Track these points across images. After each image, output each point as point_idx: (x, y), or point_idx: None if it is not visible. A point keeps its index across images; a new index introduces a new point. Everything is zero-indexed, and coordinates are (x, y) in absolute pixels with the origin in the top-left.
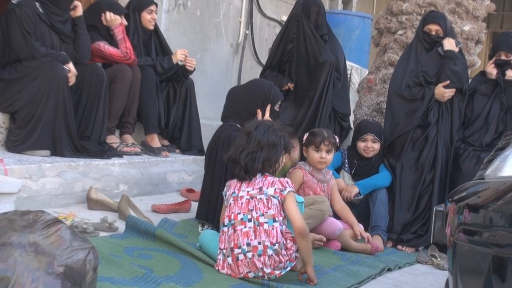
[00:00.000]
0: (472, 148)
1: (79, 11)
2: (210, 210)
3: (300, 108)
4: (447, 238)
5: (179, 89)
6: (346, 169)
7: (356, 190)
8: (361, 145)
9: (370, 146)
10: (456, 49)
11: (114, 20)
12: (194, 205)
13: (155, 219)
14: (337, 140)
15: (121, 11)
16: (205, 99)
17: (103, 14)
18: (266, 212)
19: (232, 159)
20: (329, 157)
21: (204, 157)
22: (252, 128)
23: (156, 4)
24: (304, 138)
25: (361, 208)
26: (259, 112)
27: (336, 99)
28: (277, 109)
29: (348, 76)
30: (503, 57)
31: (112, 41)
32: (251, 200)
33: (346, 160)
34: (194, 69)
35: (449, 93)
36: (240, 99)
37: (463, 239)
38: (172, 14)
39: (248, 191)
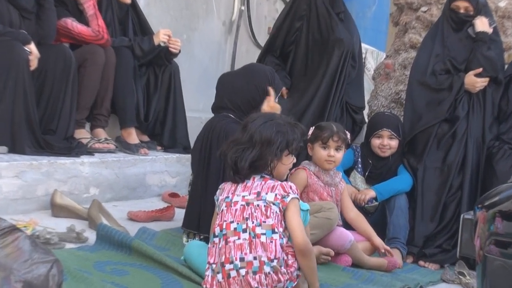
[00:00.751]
0: (508, 147)
1: None
2: (203, 218)
3: (303, 96)
4: (476, 252)
5: (161, 75)
6: (359, 170)
7: (372, 193)
8: (375, 142)
9: (386, 143)
10: (490, 30)
11: None
12: (178, 212)
13: (132, 229)
14: (349, 136)
15: None
16: (192, 87)
17: None
18: (264, 222)
19: (223, 155)
20: (339, 155)
21: (190, 155)
22: (250, 120)
23: None
24: (309, 132)
25: (376, 217)
26: (271, 98)
27: (349, 89)
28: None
29: (363, 61)
30: None
31: (82, 18)
32: (246, 206)
33: (359, 160)
34: (179, 51)
35: (481, 83)
36: (237, 88)
37: (494, 252)
38: None
39: (243, 196)
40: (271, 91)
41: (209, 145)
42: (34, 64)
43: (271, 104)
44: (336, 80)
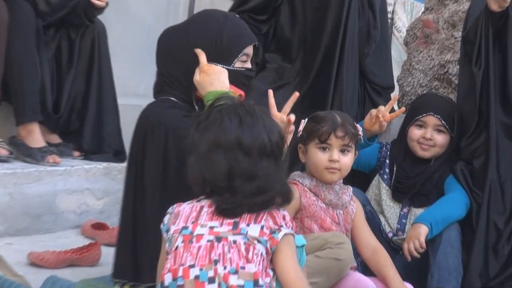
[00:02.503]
0: None
1: None
2: (144, 261)
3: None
4: None
5: (78, 41)
6: (385, 177)
7: (424, 230)
8: (415, 133)
9: (430, 136)
10: None
11: None
12: (106, 253)
13: (35, 278)
14: (360, 132)
15: None
16: (128, 60)
17: None
18: (243, 268)
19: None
20: (346, 160)
21: (126, 164)
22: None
23: None
24: (300, 127)
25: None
26: (201, 58)
27: (369, 60)
28: (245, 67)
29: (389, 16)
30: None
31: None
32: (216, 243)
33: (387, 162)
34: (107, 4)
35: None
36: (173, 50)
37: None
38: None
39: (212, 228)
40: (198, 50)
41: (141, 148)
42: None
43: (204, 68)
44: (338, 44)
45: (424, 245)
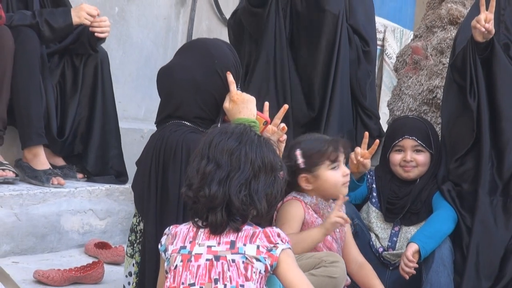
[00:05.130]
0: None
1: None
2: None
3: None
4: None
5: (82, 68)
6: (373, 201)
7: (414, 248)
8: (396, 158)
9: (410, 158)
10: None
11: None
12: (109, 271)
13: None
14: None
15: None
16: (129, 86)
17: None
18: (242, 286)
19: (210, 196)
20: (348, 170)
21: (130, 187)
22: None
23: None
24: (298, 159)
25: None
26: (232, 87)
27: (363, 85)
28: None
29: (380, 43)
30: None
31: None
32: (215, 262)
33: (374, 187)
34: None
35: None
36: (192, 80)
37: None
38: None
39: (210, 247)
40: (229, 76)
41: (160, 170)
42: None
43: (234, 97)
44: (333, 69)
45: (410, 258)
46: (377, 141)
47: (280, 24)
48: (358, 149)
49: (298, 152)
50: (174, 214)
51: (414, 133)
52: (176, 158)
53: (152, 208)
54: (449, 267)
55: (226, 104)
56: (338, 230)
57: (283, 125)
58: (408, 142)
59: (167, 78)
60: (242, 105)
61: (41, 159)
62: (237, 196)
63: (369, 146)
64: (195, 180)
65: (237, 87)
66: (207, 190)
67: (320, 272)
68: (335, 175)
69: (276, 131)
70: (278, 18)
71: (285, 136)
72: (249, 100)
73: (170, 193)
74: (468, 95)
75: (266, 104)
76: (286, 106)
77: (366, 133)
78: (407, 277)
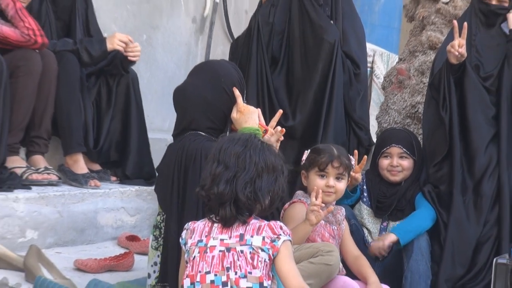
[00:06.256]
0: None
1: None
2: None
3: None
4: None
5: (115, 87)
6: (364, 200)
7: (391, 237)
8: (384, 163)
9: (396, 163)
10: None
11: None
12: (138, 260)
13: (80, 281)
14: (353, 162)
15: None
16: (155, 102)
17: None
18: (250, 273)
19: (219, 194)
20: (340, 185)
21: (153, 189)
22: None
23: None
24: (304, 157)
25: (390, 262)
26: (238, 100)
27: (354, 101)
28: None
29: (369, 65)
30: None
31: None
32: (227, 253)
33: (365, 188)
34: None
35: None
36: (204, 97)
37: None
38: None
39: (222, 240)
40: (236, 91)
41: (182, 174)
42: None
43: (241, 108)
44: (328, 90)
45: (385, 246)
46: (365, 157)
47: (263, 56)
48: None
49: (306, 151)
50: (194, 212)
51: (400, 142)
52: (195, 163)
53: (175, 207)
54: (426, 256)
55: (234, 115)
56: (336, 228)
57: (280, 128)
58: (395, 150)
59: (181, 97)
60: (248, 116)
61: (80, 164)
62: (243, 193)
63: (359, 156)
64: (207, 181)
65: (242, 100)
66: (215, 188)
67: (318, 260)
68: (319, 182)
69: (274, 133)
70: (260, 49)
71: (281, 137)
72: (253, 111)
73: (190, 194)
74: (440, 109)
75: (259, 111)
76: (280, 111)
77: (356, 151)
78: (376, 255)
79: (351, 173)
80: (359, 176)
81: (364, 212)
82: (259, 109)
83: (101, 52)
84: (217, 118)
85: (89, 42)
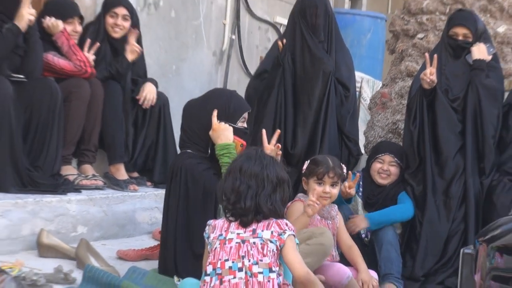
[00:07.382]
0: (508, 179)
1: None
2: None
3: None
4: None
5: (149, 109)
6: (359, 193)
7: (364, 224)
8: (376, 166)
9: (386, 168)
10: (488, 58)
11: (55, 26)
12: None
13: (122, 268)
14: (345, 170)
15: (65, 14)
16: None
17: (45, 18)
18: (261, 260)
19: (246, 208)
20: (334, 191)
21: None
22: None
23: (127, 7)
24: (304, 166)
25: (372, 250)
26: (216, 125)
27: (345, 119)
28: (243, 126)
29: (358, 90)
30: None
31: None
32: (242, 244)
33: (361, 183)
34: (142, 53)
35: None
36: (194, 114)
37: (495, 287)
38: (141, 16)
39: (238, 234)
40: (214, 112)
41: (168, 186)
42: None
43: (214, 126)
44: (323, 112)
45: (357, 230)
46: (358, 174)
47: (283, 85)
48: (346, 183)
49: (306, 162)
50: (172, 218)
51: (393, 152)
52: (176, 178)
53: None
54: (395, 245)
55: (210, 132)
56: (330, 222)
57: (278, 145)
58: (387, 157)
59: (184, 113)
60: (220, 132)
61: (121, 172)
62: (266, 207)
63: (349, 165)
64: (231, 196)
65: (225, 122)
66: (242, 203)
67: (313, 242)
68: (317, 189)
69: (272, 149)
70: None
71: (280, 152)
72: (225, 128)
73: (171, 204)
74: (410, 124)
75: (263, 131)
76: (278, 131)
77: (350, 172)
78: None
79: (347, 189)
80: (352, 191)
81: (359, 204)
82: (263, 130)
83: (126, 65)
84: (201, 136)
85: (119, 61)
